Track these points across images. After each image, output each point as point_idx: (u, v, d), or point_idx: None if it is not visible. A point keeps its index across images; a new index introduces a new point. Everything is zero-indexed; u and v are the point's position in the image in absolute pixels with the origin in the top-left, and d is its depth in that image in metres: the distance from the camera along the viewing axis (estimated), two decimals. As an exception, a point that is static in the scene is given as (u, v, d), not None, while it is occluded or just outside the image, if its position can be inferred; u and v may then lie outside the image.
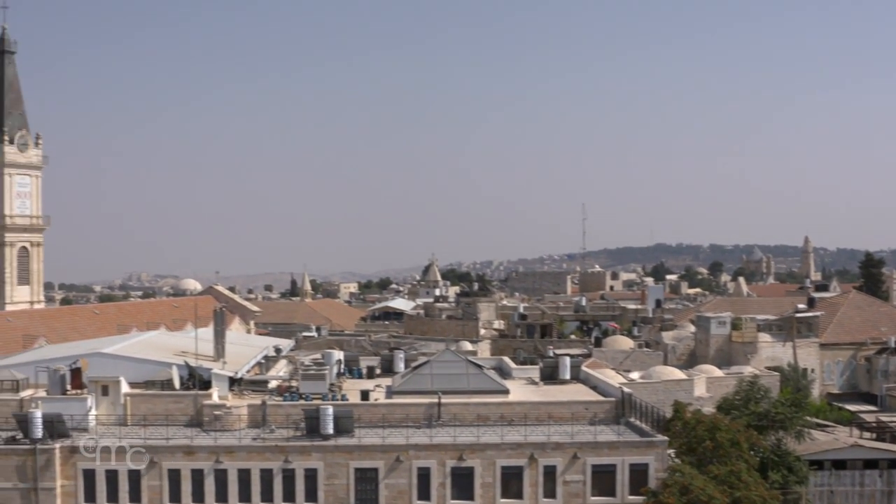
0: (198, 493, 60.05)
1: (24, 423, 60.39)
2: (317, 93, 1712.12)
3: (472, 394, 67.61)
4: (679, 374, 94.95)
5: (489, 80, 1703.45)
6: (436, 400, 65.02)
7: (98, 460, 59.49)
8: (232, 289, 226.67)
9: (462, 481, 60.43)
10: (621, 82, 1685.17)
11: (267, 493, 60.03)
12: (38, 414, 60.33)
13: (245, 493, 60.00)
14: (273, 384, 72.22)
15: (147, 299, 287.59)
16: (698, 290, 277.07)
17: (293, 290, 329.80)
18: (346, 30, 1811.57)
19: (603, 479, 60.72)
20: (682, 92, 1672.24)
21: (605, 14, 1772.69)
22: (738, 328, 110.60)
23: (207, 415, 63.69)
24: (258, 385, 71.85)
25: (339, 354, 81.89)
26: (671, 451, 62.47)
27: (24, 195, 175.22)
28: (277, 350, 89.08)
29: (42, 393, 66.22)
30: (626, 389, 68.33)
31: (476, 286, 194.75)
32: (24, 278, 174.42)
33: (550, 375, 77.11)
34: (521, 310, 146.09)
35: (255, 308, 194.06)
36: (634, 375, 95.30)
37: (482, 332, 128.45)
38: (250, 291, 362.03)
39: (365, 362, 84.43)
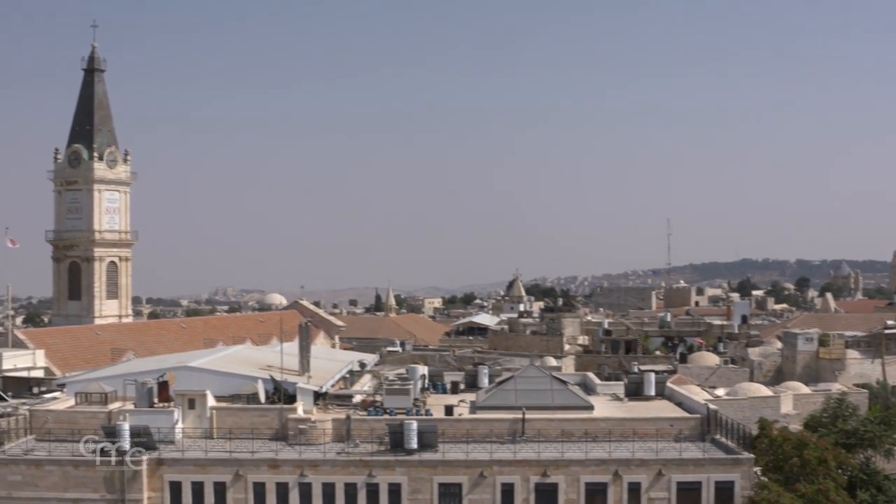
0: (283, 506, 60.48)
1: (112, 435, 61.10)
2: (401, 108, 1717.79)
3: (557, 409, 67.33)
4: (765, 391, 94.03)
5: (572, 95, 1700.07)
6: (520, 415, 64.84)
7: (184, 473, 60.20)
8: (317, 303, 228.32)
9: (546, 497, 60.13)
10: (707, 96, 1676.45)
11: (351, 507, 60.28)
12: (125, 426, 61.01)
13: (329, 506, 60.31)
14: (357, 399, 72.49)
15: (233, 314, 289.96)
16: (785, 305, 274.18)
17: (378, 305, 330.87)
18: (435, 44, 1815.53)
19: (688, 497, 60.12)
20: (770, 105, 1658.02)
21: (687, 25, 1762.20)
22: (825, 344, 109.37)
23: (292, 429, 64.02)
24: (343, 399, 72.17)
25: (423, 369, 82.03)
26: (757, 469, 61.80)
27: (114, 211, 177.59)
28: (362, 365, 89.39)
29: (130, 405, 67.02)
30: (711, 406, 67.68)
31: (560, 301, 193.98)
32: (112, 293, 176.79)
33: (635, 391, 76.67)
34: (606, 325, 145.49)
35: (339, 323, 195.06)
36: (720, 392, 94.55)
37: (566, 347, 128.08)
38: (335, 306, 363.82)
39: (449, 377, 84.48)
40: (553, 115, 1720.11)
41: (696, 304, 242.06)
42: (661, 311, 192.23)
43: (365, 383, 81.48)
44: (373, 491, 59.99)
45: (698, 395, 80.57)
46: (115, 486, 59.80)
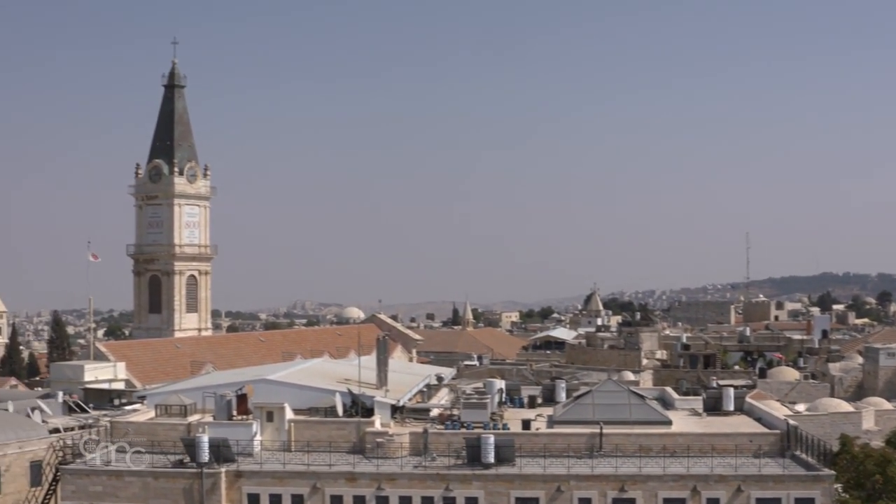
0: (360, 519, 60.63)
1: (191, 447, 61.63)
2: (475, 119, 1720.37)
3: (634, 424, 66.93)
4: (846, 407, 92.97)
5: (651, 105, 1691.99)
6: (597, 430, 64.56)
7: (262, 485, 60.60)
8: (394, 317, 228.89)
9: (623, 512, 59.94)
10: (788, 106, 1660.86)
11: (428, 520, 60.29)
12: (204, 438, 61.51)
13: (406, 520, 60.37)
14: (435, 412, 72.50)
15: (311, 327, 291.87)
16: (866, 320, 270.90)
17: (455, 319, 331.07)
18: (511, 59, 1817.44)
19: (767, 513, 59.62)
20: (849, 112, 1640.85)
21: (766, 32, 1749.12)
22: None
23: (370, 442, 64.18)
24: (420, 413, 72.20)
25: (500, 383, 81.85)
26: (838, 486, 61.14)
27: (193, 225, 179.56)
28: (439, 378, 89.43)
29: (209, 418, 67.56)
30: (791, 422, 66.95)
31: (638, 316, 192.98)
32: (192, 306, 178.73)
33: (714, 406, 76.00)
34: (684, 340, 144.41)
35: (417, 336, 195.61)
36: (800, 407, 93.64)
37: (644, 362, 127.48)
38: (412, 320, 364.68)
39: (526, 391, 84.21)
40: (627, 126, 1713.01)
41: (776, 318, 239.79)
42: (741, 326, 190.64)
43: (442, 397, 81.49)
44: (450, 504, 60.07)
45: (778, 410, 79.73)
46: (194, 498, 60.32)
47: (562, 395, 79.90)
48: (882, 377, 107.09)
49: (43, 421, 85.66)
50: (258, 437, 64.84)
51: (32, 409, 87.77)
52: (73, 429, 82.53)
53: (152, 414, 71.48)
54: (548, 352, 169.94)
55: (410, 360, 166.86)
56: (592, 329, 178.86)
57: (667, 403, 79.54)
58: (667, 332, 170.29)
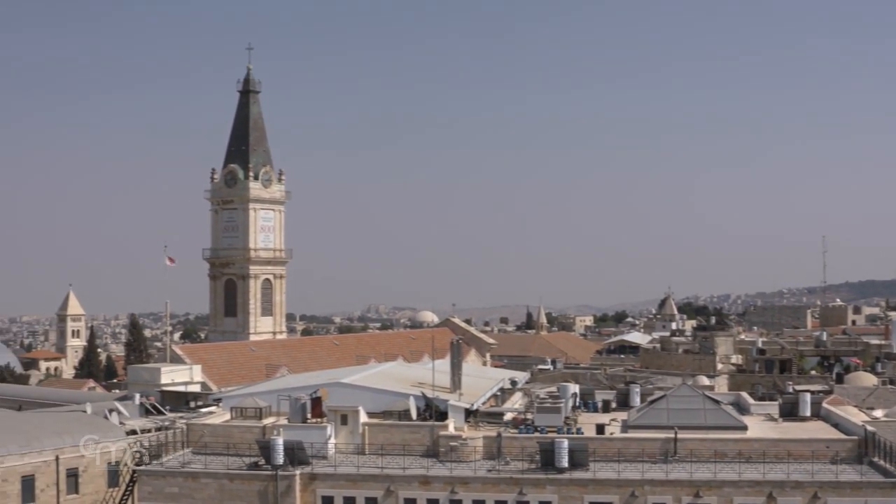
0: (433, 522, 60.68)
1: (266, 449, 62.00)
2: (551, 125, 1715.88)
3: (709, 429, 66.41)
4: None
5: (727, 109, 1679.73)
6: (672, 435, 64.13)
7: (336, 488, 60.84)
8: (468, 321, 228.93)
9: (699, 518, 59.51)
10: (861, 109, 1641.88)
11: (502, 524, 60.21)
12: (279, 441, 61.85)
13: (480, 523, 60.31)
14: (508, 416, 72.41)
15: (385, 331, 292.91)
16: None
17: (529, 323, 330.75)
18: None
19: (845, 521, 58.95)
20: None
21: (852, 35, 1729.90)
22: None
23: (443, 445, 64.22)
24: (493, 417, 72.10)
25: (574, 387, 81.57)
26: (917, 493, 60.28)
27: (268, 229, 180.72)
28: (513, 382, 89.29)
29: (284, 421, 67.84)
30: (869, 428, 66.14)
31: (713, 320, 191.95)
32: (267, 309, 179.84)
33: (790, 412, 75.31)
34: (760, 344, 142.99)
35: (490, 340, 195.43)
36: (878, 413, 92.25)
37: (719, 366, 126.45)
38: (486, 324, 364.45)
39: (600, 396, 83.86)
40: (703, 129, 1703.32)
41: (853, 322, 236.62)
42: (817, 330, 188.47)
43: (516, 401, 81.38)
44: (523, 509, 59.95)
45: (855, 416, 78.68)
46: (268, 500, 60.64)
47: (636, 400, 79.54)
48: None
49: (120, 422, 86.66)
50: (332, 440, 65.01)
51: (110, 411, 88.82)
52: (149, 431, 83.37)
53: (228, 416, 71.98)
54: (622, 356, 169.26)
55: (484, 363, 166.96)
56: (667, 333, 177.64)
57: (742, 409, 78.86)
58: (742, 336, 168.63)
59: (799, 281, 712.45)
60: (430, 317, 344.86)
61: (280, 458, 61.11)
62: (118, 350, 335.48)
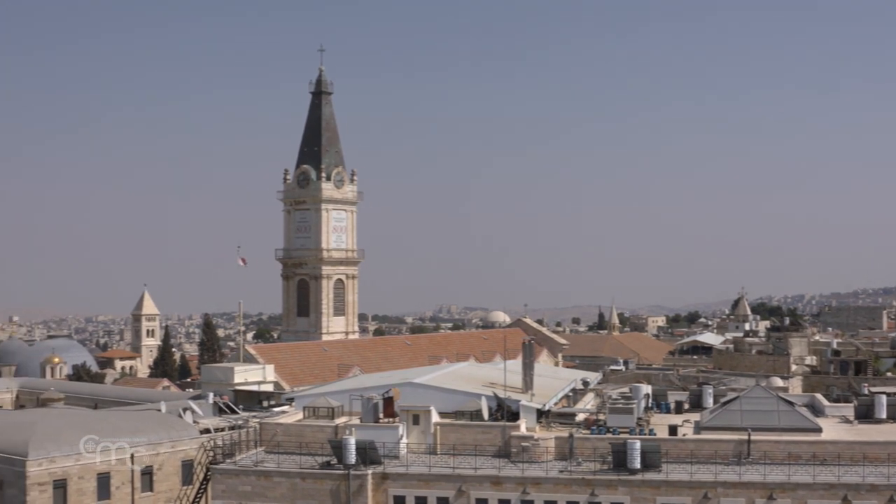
0: (504, 522, 60.64)
1: (338, 448, 62.26)
2: (621, 125, 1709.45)
3: (783, 431, 65.86)
4: None
5: (804, 109, 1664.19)
6: (745, 437, 63.65)
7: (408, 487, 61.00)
8: (540, 321, 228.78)
9: (772, 520, 59.02)
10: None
11: (584, 525, 60.07)
12: (351, 440, 62.10)
13: (551, 524, 60.21)
14: (580, 417, 72.27)
15: (457, 331, 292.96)
16: None
17: (601, 324, 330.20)
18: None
19: (921, 525, 58.21)
20: None
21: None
22: None
23: (515, 446, 64.18)
24: (565, 417, 71.96)
25: (646, 388, 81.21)
26: None
27: (341, 229, 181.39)
28: (585, 383, 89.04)
29: (356, 420, 68.12)
30: (946, 430, 65.40)
31: (787, 321, 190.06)
32: (339, 309, 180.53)
33: (865, 414, 74.46)
34: (835, 345, 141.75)
35: (562, 341, 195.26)
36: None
37: (793, 368, 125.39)
38: (558, 324, 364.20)
39: (673, 397, 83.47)
40: (777, 128, 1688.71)
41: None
42: (893, 332, 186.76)
43: (588, 402, 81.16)
44: (595, 510, 59.77)
45: (933, 418, 77.79)
46: (340, 499, 60.92)
47: (709, 401, 79.02)
48: None
49: (194, 421, 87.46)
50: (404, 440, 65.18)
51: (184, 410, 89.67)
52: (223, 429, 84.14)
53: (300, 416, 72.35)
54: (695, 357, 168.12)
55: (556, 364, 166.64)
56: (740, 334, 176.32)
57: (816, 410, 78.11)
58: (816, 337, 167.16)
59: (875, 281, 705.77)
60: (501, 317, 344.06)
61: (352, 458, 61.35)
62: (192, 349, 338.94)
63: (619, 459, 61.01)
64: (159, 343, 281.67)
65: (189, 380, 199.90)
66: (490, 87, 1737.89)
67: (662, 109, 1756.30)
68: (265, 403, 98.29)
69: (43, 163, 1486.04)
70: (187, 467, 79.72)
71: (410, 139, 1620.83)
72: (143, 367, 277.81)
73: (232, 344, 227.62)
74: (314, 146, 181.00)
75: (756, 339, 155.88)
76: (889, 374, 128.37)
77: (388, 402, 68.41)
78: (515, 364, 78.81)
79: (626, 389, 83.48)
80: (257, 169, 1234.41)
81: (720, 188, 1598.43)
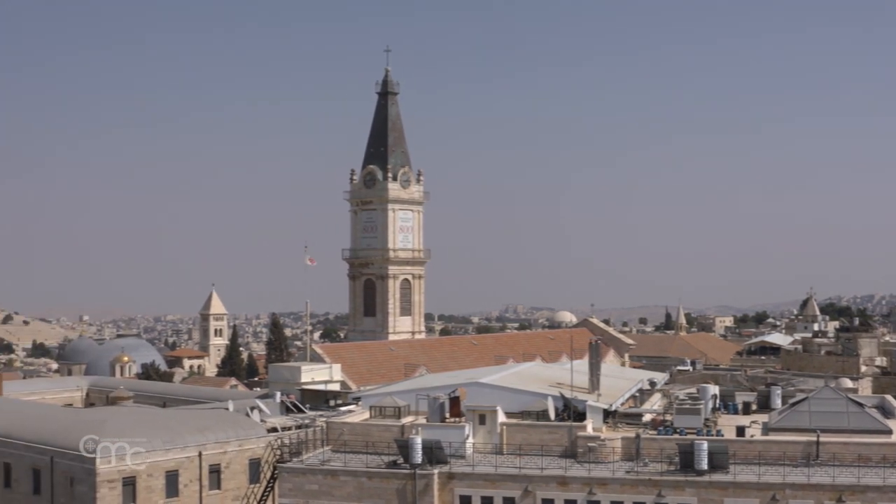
0: (572, 522, 60.51)
1: (404, 448, 62.41)
2: (706, 121, 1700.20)
3: (853, 433, 65.20)
4: None
5: (877, 107, 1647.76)
6: (814, 438, 63.10)
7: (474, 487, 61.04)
8: (606, 321, 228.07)
9: (842, 523, 58.47)
10: None
11: (642, 525, 59.85)
12: (418, 440, 62.21)
13: (617, 525, 60.00)
14: (647, 417, 72.00)
15: (523, 331, 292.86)
16: None
17: (667, 324, 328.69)
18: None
19: None
20: None
21: None
22: None
23: (581, 446, 64.02)
24: (632, 418, 71.73)
25: (714, 389, 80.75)
26: None
27: (407, 229, 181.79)
28: (652, 383, 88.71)
29: (422, 420, 68.24)
30: None
31: (856, 321, 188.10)
32: (406, 309, 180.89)
33: (936, 415, 73.75)
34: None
35: (629, 341, 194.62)
36: None
37: (863, 368, 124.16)
38: (625, 324, 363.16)
39: (740, 397, 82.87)
40: (847, 130, 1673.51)
41: None
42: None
43: (655, 402, 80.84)
44: (662, 511, 59.52)
45: None
46: (406, 499, 61.07)
47: (777, 402, 78.46)
48: None
49: (261, 420, 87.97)
50: (470, 440, 65.22)
51: (251, 409, 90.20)
52: (290, 428, 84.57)
53: (367, 415, 72.61)
54: (762, 357, 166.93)
55: (622, 364, 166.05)
56: (809, 334, 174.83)
57: (887, 412, 77.26)
58: (886, 338, 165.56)
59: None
60: (568, 317, 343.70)
61: (418, 457, 61.46)
62: (259, 349, 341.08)
63: (686, 460, 60.69)
64: (227, 342, 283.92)
65: (256, 379, 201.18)
66: (554, 88, 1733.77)
67: (742, 110, 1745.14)
68: (332, 402, 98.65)
69: (115, 166, 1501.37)
70: (254, 465, 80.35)
71: (476, 139, 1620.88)
72: (210, 366, 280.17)
73: (299, 343, 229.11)
74: (381, 146, 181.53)
75: (825, 340, 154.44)
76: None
77: (455, 401, 68.47)
78: (582, 364, 78.71)
79: (693, 390, 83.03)
80: (324, 169, 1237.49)
81: (790, 188, 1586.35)
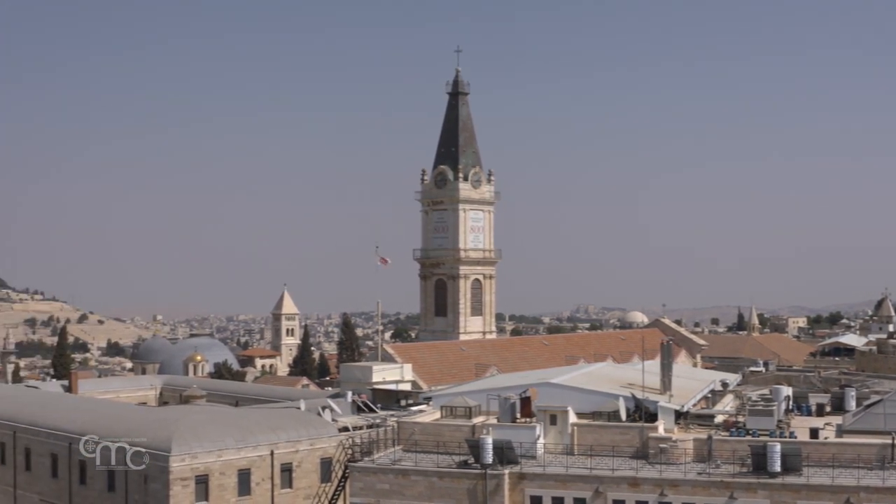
0: (641, 523, 60.31)
1: (475, 448, 62.46)
2: (764, 121, 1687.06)
3: (929, 435, 64.54)
4: None
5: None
6: (889, 441, 62.38)
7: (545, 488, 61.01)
8: (678, 322, 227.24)
9: (918, 527, 57.81)
10: None
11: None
12: (488, 440, 62.23)
13: (690, 526, 59.71)
14: (719, 419, 71.57)
15: (594, 331, 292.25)
16: None
17: (740, 324, 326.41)
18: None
19: None
20: None
21: None
22: None
23: (653, 447, 63.76)
24: (704, 419, 71.35)
25: (787, 390, 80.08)
26: None
27: (478, 229, 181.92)
28: (724, 384, 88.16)
29: (493, 420, 68.29)
30: None
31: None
32: (477, 309, 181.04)
33: None
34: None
35: (701, 341, 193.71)
36: None
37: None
38: (697, 325, 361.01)
39: (814, 399, 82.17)
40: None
41: None
42: None
43: (727, 403, 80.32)
44: (734, 513, 59.13)
45: None
46: (477, 499, 61.11)
47: (851, 404, 77.63)
48: None
49: (333, 420, 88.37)
50: (541, 440, 65.15)
51: (323, 408, 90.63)
52: (361, 428, 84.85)
53: (438, 415, 72.78)
54: (836, 358, 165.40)
55: (694, 365, 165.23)
56: (884, 335, 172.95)
57: (963, 414, 76.31)
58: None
59: None
60: (639, 317, 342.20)
61: (489, 457, 61.48)
62: (331, 348, 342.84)
63: (759, 462, 60.22)
64: (299, 342, 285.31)
65: (328, 378, 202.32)
66: (627, 81, 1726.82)
67: (818, 112, 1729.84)
68: (403, 402, 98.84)
69: (189, 167, 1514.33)
70: (326, 465, 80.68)
71: (547, 139, 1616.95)
72: (282, 365, 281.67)
73: (370, 343, 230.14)
74: (451, 147, 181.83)
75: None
76: None
77: (526, 401, 68.47)
78: (653, 365, 78.35)
79: (766, 391, 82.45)
80: (395, 170, 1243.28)
81: (862, 187, 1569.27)
